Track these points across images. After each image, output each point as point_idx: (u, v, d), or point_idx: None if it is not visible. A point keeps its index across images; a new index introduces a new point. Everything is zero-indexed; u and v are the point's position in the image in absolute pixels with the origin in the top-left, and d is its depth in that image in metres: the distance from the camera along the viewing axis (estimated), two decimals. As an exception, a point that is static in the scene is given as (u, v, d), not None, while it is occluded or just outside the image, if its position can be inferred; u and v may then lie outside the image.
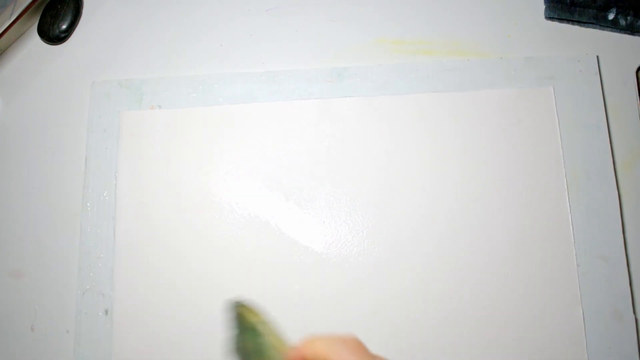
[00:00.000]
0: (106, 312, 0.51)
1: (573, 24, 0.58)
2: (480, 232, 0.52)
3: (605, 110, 0.54)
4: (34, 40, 0.60)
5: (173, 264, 0.52)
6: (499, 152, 0.53)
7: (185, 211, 0.53)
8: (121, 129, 0.55)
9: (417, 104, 0.55)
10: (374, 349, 0.50)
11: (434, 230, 0.52)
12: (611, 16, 0.57)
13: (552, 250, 0.51)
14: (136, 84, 0.57)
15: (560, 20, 0.58)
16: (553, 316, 0.50)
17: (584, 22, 0.57)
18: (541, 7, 0.58)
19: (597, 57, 0.56)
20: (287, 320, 0.49)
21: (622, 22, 0.57)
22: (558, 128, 0.54)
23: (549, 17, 0.58)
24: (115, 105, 0.56)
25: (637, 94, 0.56)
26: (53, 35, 0.59)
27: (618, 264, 0.50)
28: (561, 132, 0.53)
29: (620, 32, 0.57)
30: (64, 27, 0.59)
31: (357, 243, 0.52)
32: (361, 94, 0.55)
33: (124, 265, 0.52)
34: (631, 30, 0.57)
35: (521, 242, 0.51)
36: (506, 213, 0.52)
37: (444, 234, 0.52)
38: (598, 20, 0.57)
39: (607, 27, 0.57)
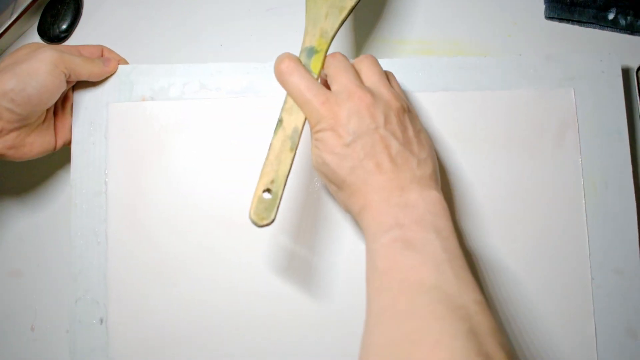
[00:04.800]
0: (101, 321, 0.49)
1: (573, 23, 0.58)
2: (493, 241, 0.50)
3: (628, 115, 0.51)
4: (34, 40, 0.60)
5: (170, 269, 0.50)
6: (514, 156, 0.51)
7: (181, 211, 0.50)
8: (109, 122, 0.51)
9: (428, 102, 0.51)
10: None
11: None
12: (611, 16, 0.57)
13: (566, 261, 0.49)
14: (125, 72, 0.52)
15: (560, 20, 0.58)
16: (564, 330, 0.48)
17: (584, 22, 0.57)
18: (541, 7, 0.58)
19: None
20: (285, 318, 0.50)
21: (622, 22, 0.57)
22: (577, 133, 0.51)
23: (549, 17, 0.58)
24: (103, 95, 0.51)
25: (638, 94, 0.56)
26: (53, 35, 0.59)
27: (633, 278, 0.49)
28: (580, 137, 0.50)
29: (620, 32, 0.57)
30: (64, 27, 0.59)
31: (359, 244, 0.51)
32: None
33: (118, 271, 0.49)
34: (631, 30, 0.57)
35: (534, 252, 0.49)
36: (519, 221, 0.50)
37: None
38: (598, 20, 0.57)
39: (607, 27, 0.57)
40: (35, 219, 0.56)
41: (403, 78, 0.52)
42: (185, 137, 0.51)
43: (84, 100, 0.51)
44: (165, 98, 0.52)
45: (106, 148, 0.51)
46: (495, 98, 0.51)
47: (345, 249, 0.51)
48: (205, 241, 0.50)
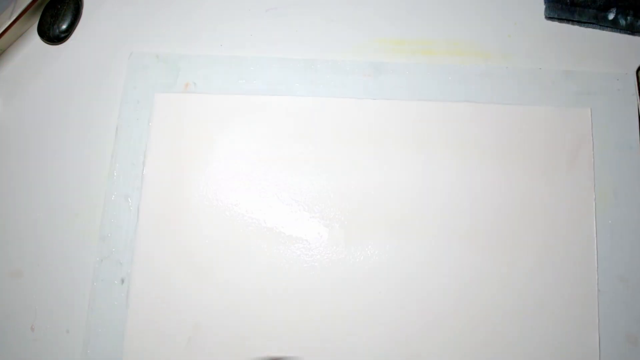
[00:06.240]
0: (122, 281, 0.52)
1: (573, 23, 0.58)
2: (504, 248, 0.51)
3: None
4: (34, 40, 0.60)
5: (196, 245, 0.52)
6: (527, 169, 0.53)
7: (212, 190, 0.54)
8: (155, 104, 0.56)
9: (450, 112, 0.54)
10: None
11: (456, 246, 0.51)
12: (611, 16, 0.57)
13: (574, 270, 0.50)
14: (173, 59, 0.57)
15: (560, 20, 0.58)
16: (569, 337, 0.49)
17: (584, 22, 0.57)
18: (541, 7, 0.58)
19: (637, 75, 0.55)
20: (288, 314, 0.51)
21: (622, 22, 0.57)
22: (592, 150, 0.53)
23: (549, 17, 0.58)
24: (150, 78, 0.57)
25: (638, 93, 0.56)
26: (53, 35, 0.59)
27: (637, 286, 0.50)
28: (594, 151, 0.53)
29: (620, 32, 0.57)
30: (64, 27, 0.59)
31: (375, 252, 0.52)
32: (399, 96, 0.55)
33: (145, 236, 0.53)
34: (631, 30, 0.57)
35: (543, 260, 0.51)
36: (531, 231, 0.51)
37: (466, 249, 0.51)
38: (598, 20, 0.57)
39: (607, 27, 0.57)
40: (36, 220, 0.56)
41: (426, 85, 0.55)
42: (226, 130, 0.55)
43: (133, 80, 0.57)
44: (206, 86, 0.57)
45: (148, 128, 0.55)
46: (514, 113, 0.54)
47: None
48: (234, 216, 0.53)
